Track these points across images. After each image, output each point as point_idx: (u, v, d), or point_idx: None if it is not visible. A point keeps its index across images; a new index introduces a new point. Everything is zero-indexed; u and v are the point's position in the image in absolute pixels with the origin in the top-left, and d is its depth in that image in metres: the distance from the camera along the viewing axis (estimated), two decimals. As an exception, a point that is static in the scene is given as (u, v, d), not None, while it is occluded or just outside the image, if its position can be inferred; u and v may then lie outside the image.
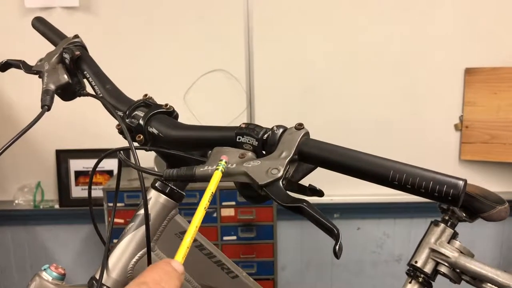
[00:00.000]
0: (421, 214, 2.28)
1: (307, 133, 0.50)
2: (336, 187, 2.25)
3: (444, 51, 2.19)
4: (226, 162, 0.49)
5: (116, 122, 0.61)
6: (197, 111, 2.19)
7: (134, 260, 0.63)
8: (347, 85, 2.22)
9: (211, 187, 0.46)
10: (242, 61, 2.21)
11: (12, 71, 1.88)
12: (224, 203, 2.00)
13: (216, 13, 2.17)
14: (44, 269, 0.64)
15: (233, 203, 2.00)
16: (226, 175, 0.49)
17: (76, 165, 2.30)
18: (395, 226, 2.37)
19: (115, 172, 2.27)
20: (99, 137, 2.24)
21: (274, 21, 2.18)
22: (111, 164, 2.27)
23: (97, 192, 2.11)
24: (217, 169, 0.48)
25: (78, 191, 2.31)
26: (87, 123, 2.26)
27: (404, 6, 2.15)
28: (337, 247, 0.42)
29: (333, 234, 0.43)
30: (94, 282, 0.63)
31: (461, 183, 0.40)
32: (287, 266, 2.43)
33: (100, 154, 0.64)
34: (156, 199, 0.64)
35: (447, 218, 1.03)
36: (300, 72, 2.21)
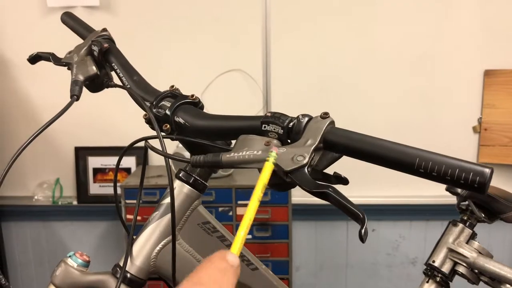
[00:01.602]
0: (437, 217, 2.26)
1: (332, 122, 0.51)
2: (351, 189, 2.23)
3: (463, 52, 2.17)
4: (276, 154, 0.48)
5: (142, 113, 0.63)
6: (214, 110, 2.19)
7: (157, 248, 0.64)
8: (364, 85, 2.22)
9: (263, 178, 0.45)
10: (259, 61, 2.22)
11: (33, 71, 1.93)
12: (239, 202, 2.01)
13: (234, 13, 2.19)
14: (70, 256, 0.66)
15: (249, 202, 2.00)
16: (252, 161, 0.50)
17: (95, 162, 2.33)
18: (411, 228, 2.35)
19: (133, 169, 2.30)
20: (118, 135, 2.27)
21: (292, 22, 2.18)
22: (128, 162, 2.30)
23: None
24: (267, 160, 0.47)
25: (96, 188, 2.34)
26: (106, 121, 2.29)
27: (423, 6, 2.14)
28: (362, 231, 0.42)
29: (359, 219, 0.43)
30: (118, 269, 0.64)
31: (487, 170, 0.40)
32: (302, 267, 2.43)
33: (119, 151, 0.65)
34: (180, 189, 0.65)
35: (465, 218, 1.03)
36: (318, 72, 2.22)
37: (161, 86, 0.74)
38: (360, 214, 0.43)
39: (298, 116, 0.52)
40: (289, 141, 0.52)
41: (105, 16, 2.19)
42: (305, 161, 0.47)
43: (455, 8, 2.14)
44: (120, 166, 2.31)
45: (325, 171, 0.52)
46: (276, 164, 0.48)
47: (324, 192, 0.45)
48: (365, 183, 2.23)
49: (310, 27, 2.18)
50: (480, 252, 0.97)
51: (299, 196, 2.19)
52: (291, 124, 0.51)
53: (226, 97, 2.24)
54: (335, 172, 0.53)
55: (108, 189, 2.34)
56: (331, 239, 2.38)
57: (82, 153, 2.34)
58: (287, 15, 2.17)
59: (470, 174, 0.40)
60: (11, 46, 2.26)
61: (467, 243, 0.99)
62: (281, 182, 0.50)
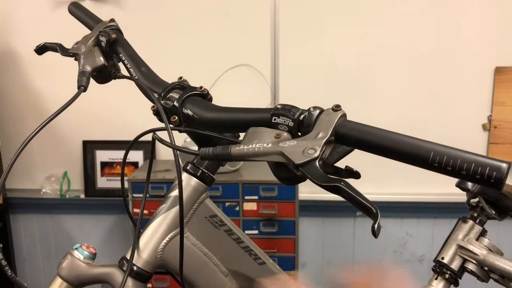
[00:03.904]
0: (445, 215, 2.24)
1: (344, 115, 0.50)
2: (358, 186, 2.22)
3: (473, 49, 2.15)
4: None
5: (150, 107, 0.62)
6: (221, 105, 2.20)
7: (164, 241, 0.63)
8: (373, 83, 2.20)
9: None
10: (268, 57, 2.21)
11: (43, 65, 1.91)
12: (246, 197, 2.01)
13: (243, 8, 2.18)
14: (76, 248, 0.66)
15: (256, 197, 2.00)
16: (262, 154, 0.49)
17: (102, 156, 2.34)
18: (418, 226, 2.34)
19: (140, 163, 2.30)
20: (126, 129, 2.27)
21: (301, 17, 2.17)
22: (136, 156, 2.30)
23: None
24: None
25: (103, 182, 2.35)
26: (114, 114, 2.29)
27: (434, 2, 2.11)
28: (375, 226, 0.41)
29: (372, 213, 0.42)
30: (124, 262, 0.63)
31: (504, 165, 0.39)
32: (308, 263, 2.42)
33: (126, 145, 0.64)
34: (187, 181, 0.64)
35: (475, 215, 1.02)
36: (326, 68, 2.20)
37: (169, 80, 0.74)
38: (373, 209, 0.42)
39: (309, 109, 0.50)
40: (299, 134, 0.51)
41: (113, 9, 2.19)
42: (316, 154, 0.45)
43: (466, 4, 2.11)
44: (127, 160, 2.32)
45: (335, 165, 0.51)
46: (286, 157, 0.47)
47: (336, 186, 0.44)
48: (372, 180, 2.21)
49: (319, 23, 2.17)
50: (490, 249, 0.96)
51: (306, 192, 2.18)
52: (302, 116, 0.50)
53: (234, 92, 2.23)
54: (346, 166, 0.52)
55: (115, 183, 2.34)
56: (338, 236, 2.37)
57: (90, 147, 2.34)
58: (296, 10, 2.16)
59: (486, 169, 0.39)
60: (21, 40, 2.27)
61: (477, 240, 0.97)
62: (291, 176, 0.49)
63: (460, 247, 0.97)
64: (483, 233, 0.99)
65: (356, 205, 0.44)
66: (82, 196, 2.38)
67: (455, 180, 0.93)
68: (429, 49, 2.16)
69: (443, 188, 2.16)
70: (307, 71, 2.21)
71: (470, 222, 1.00)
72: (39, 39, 0.77)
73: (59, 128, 2.32)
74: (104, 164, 2.34)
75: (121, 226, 2.42)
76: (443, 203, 2.23)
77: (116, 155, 2.33)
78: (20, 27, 2.26)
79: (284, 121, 0.51)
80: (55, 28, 2.19)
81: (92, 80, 0.70)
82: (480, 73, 2.17)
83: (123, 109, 2.25)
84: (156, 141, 0.61)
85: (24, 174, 2.38)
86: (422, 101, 2.20)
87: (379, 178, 2.23)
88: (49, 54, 0.81)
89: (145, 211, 1.86)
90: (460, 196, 1.06)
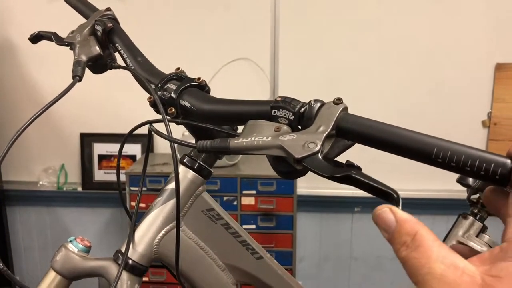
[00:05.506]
0: (443, 211, 2.24)
1: (345, 108, 0.48)
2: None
3: (474, 45, 2.14)
4: None
5: (147, 96, 0.60)
6: (220, 99, 2.18)
7: (160, 234, 0.62)
8: (374, 77, 2.19)
9: None
10: (268, 51, 2.19)
11: (40, 56, 1.88)
12: (244, 192, 2.00)
13: (243, 2, 2.16)
14: (70, 241, 0.64)
15: (254, 192, 1.99)
16: (261, 148, 0.47)
17: (100, 149, 2.33)
18: (417, 222, 2.33)
19: (138, 157, 2.29)
20: (124, 122, 2.26)
21: (301, 11, 2.15)
22: (134, 149, 2.29)
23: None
24: None
25: (101, 175, 2.34)
26: (112, 107, 2.28)
27: (435, -2, 2.10)
28: None
29: (393, 199, 0.40)
30: (119, 255, 0.62)
31: (510, 162, 0.38)
32: (305, 258, 2.42)
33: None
34: (184, 174, 0.63)
35: (476, 211, 1.01)
36: (326, 63, 2.19)
37: (167, 72, 0.72)
38: (393, 194, 0.40)
39: (310, 102, 0.49)
40: (299, 127, 0.49)
41: (112, 3, 2.16)
42: (317, 148, 0.44)
43: (466, 0, 2.10)
44: (125, 154, 2.31)
45: (336, 159, 0.50)
46: (286, 151, 0.45)
47: (347, 175, 0.42)
48: (371, 175, 2.20)
49: (320, 17, 2.15)
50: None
51: (304, 187, 2.17)
52: (302, 109, 0.49)
53: (232, 87, 2.21)
54: (347, 161, 0.51)
55: (112, 176, 2.34)
56: (335, 231, 2.36)
57: (87, 140, 2.33)
58: (296, 4, 2.14)
59: (491, 166, 0.38)
60: (19, 31, 2.25)
61: (477, 236, 0.96)
62: (290, 170, 0.47)
63: (460, 243, 0.96)
64: (483, 230, 0.98)
65: (373, 192, 0.41)
66: (79, 189, 2.37)
67: (454, 177, 0.92)
68: (430, 45, 2.14)
69: (441, 184, 2.15)
70: (307, 65, 2.20)
71: (471, 218, 0.99)
72: (36, 30, 0.76)
73: (56, 120, 2.31)
74: (101, 157, 2.33)
75: (118, 219, 2.41)
76: (441, 200, 2.23)
77: (114, 148, 2.32)
78: (18, 19, 2.24)
79: (284, 114, 0.49)
80: (51, 19, 2.16)
81: (91, 73, 0.69)
82: (480, 69, 2.16)
83: (121, 102, 2.24)
84: (154, 134, 0.60)
85: (21, 166, 2.36)
86: (422, 98, 2.19)
87: (376, 175, 2.20)
88: (46, 45, 0.80)
89: (143, 205, 1.85)
90: (458, 192, 1.05)
